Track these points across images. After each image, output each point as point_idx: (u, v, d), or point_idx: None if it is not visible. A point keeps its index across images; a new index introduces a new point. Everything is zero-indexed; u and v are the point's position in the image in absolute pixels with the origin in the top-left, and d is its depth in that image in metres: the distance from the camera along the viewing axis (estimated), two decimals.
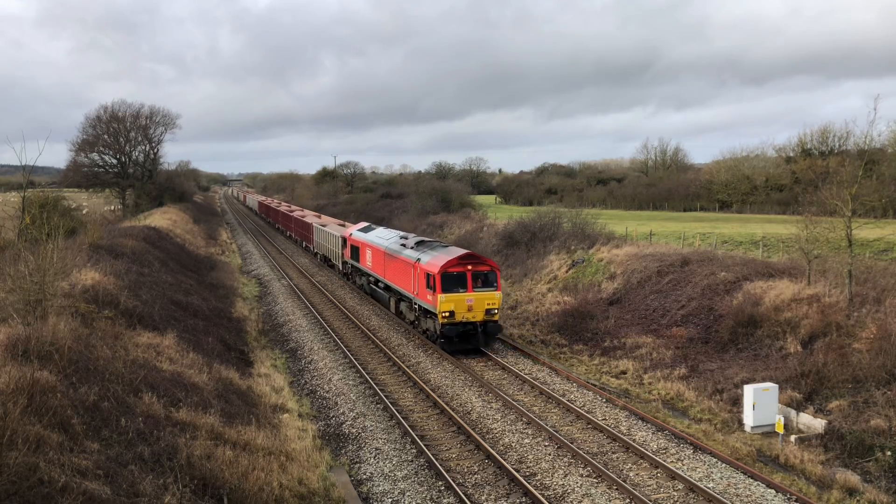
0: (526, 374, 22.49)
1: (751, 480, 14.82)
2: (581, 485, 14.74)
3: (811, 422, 17.29)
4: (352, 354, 25.16)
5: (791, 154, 78.74)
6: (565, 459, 16.00)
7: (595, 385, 21.59)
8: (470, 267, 24.82)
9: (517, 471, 15.26)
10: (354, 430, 18.12)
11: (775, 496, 14.12)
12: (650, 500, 13.90)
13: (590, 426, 18.11)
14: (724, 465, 15.63)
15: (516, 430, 17.88)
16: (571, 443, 16.86)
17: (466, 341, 24.63)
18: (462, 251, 26.12)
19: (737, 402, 18.90)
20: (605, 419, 18.59)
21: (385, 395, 20.47)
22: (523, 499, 14.17)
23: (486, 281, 24.88)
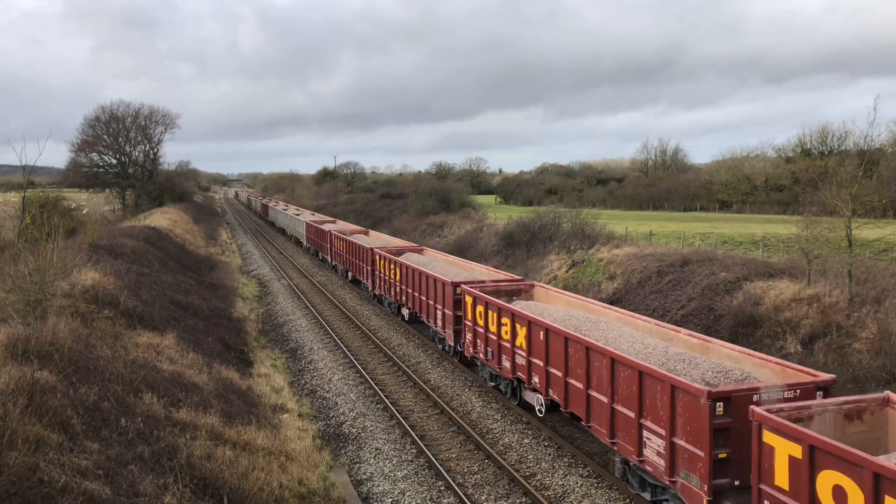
0: None
1: None
2: (581, 485, 14.74)
3: None
4: (352, 354, 25.16)
5: (791, 154, 78.76)
6: (566, 460, 16.00)
7: None
8: None
9: (517, 471, 15.27)
10: (354, 430, 18.12)
11: None
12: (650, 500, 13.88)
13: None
14: None
15: (516, 430, 17.88)
16: (571, 443, 16.85)
17: None
18: None
19: None
20: None
21: (385, 395, 20.47)
22: (523, 499, 14.17)
23: None
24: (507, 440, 17.21)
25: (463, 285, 21.84)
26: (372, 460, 16.26)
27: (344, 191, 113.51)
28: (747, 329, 22.55)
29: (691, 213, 72.40)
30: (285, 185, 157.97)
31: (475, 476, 15.24)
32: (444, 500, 14.17)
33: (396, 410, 19.15)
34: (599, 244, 36.81)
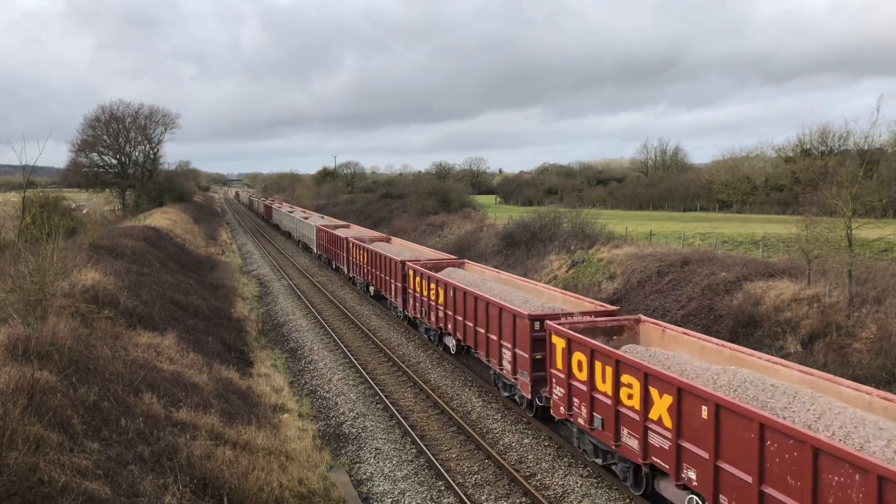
0: None
1: None
2: (581, 485, 14.74)
3: None
4: (352, 354, 25.16)
5: (791, 154, 78.76)
6: (566, 460, 16.00)
7: None
8: None
9: (517, 471, 15.27)
10: (354, 430, 18.13)
11: None
12: (651, 500, 13.89)
13: None
14: None
15: (516, 430, 17.87)
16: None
17: None
18: None
19: None
20: None
21: (385, 395, 20.47)
22: (523, 499, 14.18)
23: None
24: (507, 440, 17.21)
25: (549, 322, 16.23)
26: (372, 460, 16.26)
27: (344, 191, 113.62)
28: (747, 329, 22.56)
29: (691, 213, 72.39)
30: (285, 185, 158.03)
31: (475, 476, 15.24)
32: (444, 500, 14.17)
33: (396, 410, 19.15)
34: (599, 244, 36.81)
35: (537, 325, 17.11)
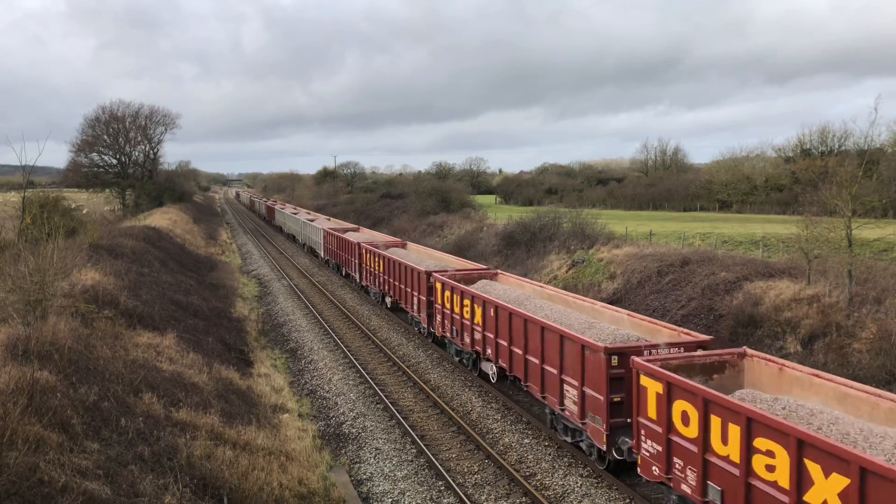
0: None
1: None
2: (581, 485, 14.74)
3: None
4: (352, 354, 25.17)
5: (790, 154, 78.76)
6: (566, 460, 16.00)
7: None
8: None
9: (517, 471, 15.27)
10: (354, 430, 18.13)
11: None
12: (650, 500, 13.89)
13: None
14: None
15: (516, 430, 17.88)
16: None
17: None
18: None
19: None
20: None
21: (385, 395, 20.47)
22: (523, 499, 14.18)
23: None
24: (507, 440, 17.21)
25: (637, 360, 13.02)
26: (372, 460, 16.27)
27: (344, 191, 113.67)
28: (747, 329, 22.56)
29: (691, 213, 72.39)
30: (285, 186, 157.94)
31: (475, 476, 15.25)
32: (444, 500, 14.17)
33: (396, 410, 19.15)
34: (599, 244, 36.81)
35: (615, 361, 14.06)
